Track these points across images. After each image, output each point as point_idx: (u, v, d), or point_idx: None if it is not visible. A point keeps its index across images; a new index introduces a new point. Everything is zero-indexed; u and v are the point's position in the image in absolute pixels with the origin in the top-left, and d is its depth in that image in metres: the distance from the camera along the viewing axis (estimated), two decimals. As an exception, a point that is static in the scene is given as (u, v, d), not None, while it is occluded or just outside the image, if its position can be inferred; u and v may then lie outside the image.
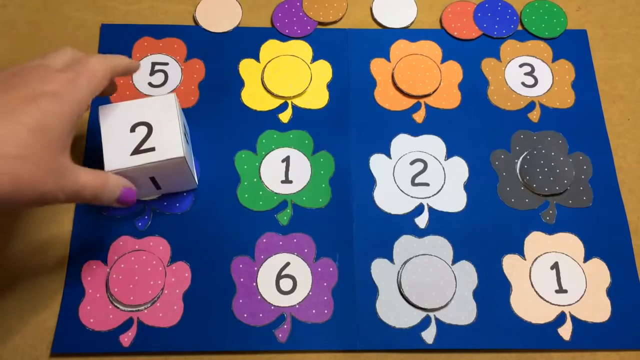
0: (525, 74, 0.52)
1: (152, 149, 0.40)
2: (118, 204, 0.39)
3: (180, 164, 0.41)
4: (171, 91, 0.50)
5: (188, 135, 0.46)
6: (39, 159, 0.32)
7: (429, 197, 0.47)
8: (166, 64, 0.51)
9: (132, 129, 0.41)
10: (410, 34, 0.53)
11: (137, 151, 0.40)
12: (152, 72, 0.50)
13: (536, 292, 0.44)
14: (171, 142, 0.41)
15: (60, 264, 0.43)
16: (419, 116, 0.50)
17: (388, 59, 0.52)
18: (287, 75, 0.51)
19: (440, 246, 0.45)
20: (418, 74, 0.51)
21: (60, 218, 0.45)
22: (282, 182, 0.47)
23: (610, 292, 0.44)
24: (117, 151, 0.40)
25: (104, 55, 0.39)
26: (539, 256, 0.45)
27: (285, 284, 0.43)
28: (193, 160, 0.46)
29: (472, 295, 0.43)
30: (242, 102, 0.50)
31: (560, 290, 0.44)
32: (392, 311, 0.42)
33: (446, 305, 0.43)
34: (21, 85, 0.33)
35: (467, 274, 0.44)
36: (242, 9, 0.54)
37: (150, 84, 0.50)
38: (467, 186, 0.47)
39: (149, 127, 0.41)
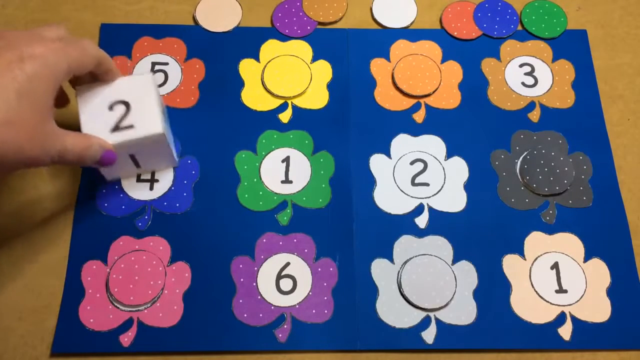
0: (525, 74, 0.52)
1: (131, 127, 0.40)
2: (98, 164, 0.39)
3: (159, 141, 0.42)
4: (171, 91, 0.50)
5: (166, 114, 0.46)
6: (24, 124, 0.32)
7: (429, 197, 0.47)
8: (166, 63, 0.51)
9: (110, 108, 0.41)
10: (410, 34, 0.53)
11: (116, 128, 0.40)
12: (152, 72, 0.50)
13: (536, 292, 0.44)
14: (150, 119, 0.41)
15: (60, 264, 0.43)
16: (419, 116, 0.50)
17: (388, 59, 0.52)
18: (287, 75, 0.51)
19: (440, 246, 0.45)
20: (418, 74, 0.51)
21: (61, 218, 0.45)
22: (282, 182, 0.47)
23: (610, 292, 0.44)
24: (96, 129, 0.40)
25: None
26: (539, 256, 0.45)
27: (285, 284, 0.43)
28: (173, 139, 0.47)
29: (472, 295, 0.43)
30: (242, 102, 0.50)
31: (560, 290, 0.44)
32: (392, 311, 0.42)
33: (446, 305, 0.43)
34: (7, 49, 0.33)
35: (467, 274, 0.44)
36: (242, 9, 0.54)
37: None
38: (467, 186, 0.47)
39: (127, 105, 0.41)
